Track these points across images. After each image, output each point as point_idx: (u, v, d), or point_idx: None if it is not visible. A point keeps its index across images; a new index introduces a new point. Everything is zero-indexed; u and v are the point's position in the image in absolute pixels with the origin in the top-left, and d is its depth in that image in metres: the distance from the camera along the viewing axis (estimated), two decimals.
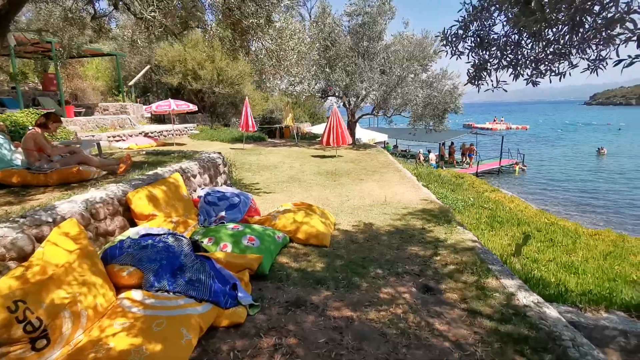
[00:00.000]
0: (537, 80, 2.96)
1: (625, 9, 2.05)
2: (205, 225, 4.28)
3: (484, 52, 3.07)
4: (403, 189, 7.38)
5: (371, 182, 8.05)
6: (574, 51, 2.60)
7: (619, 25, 2.07)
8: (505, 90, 3.08)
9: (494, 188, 14.81)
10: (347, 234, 4.65)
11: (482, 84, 3.09)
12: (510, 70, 2.89)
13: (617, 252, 6.44)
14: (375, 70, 13.65)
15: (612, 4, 2.13)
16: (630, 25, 2.03)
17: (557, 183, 20.72)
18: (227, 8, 4.46)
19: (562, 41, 2.58)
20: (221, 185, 6.24)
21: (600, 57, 2.45)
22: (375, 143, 19.38)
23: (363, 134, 20.33)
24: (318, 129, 22.75)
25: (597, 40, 2.37)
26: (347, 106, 15.74)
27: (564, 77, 2.79)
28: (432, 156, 22.90)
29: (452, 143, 24.79)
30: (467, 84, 3.24)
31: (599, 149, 31.29)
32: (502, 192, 14.67)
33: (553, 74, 2.83)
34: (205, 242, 3.70)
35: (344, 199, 6.55)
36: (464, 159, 24.38)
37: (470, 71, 3.11)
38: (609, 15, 2.15)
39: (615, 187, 19.36)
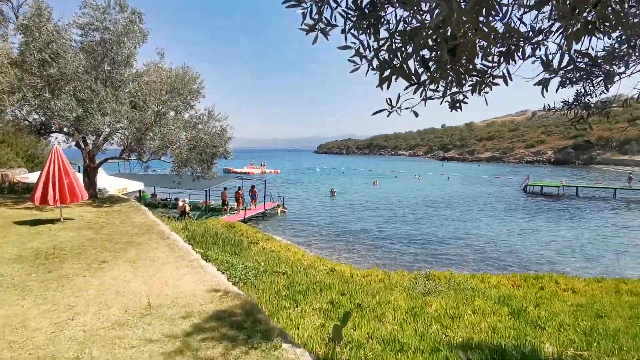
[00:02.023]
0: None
1: None
2: None
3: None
4: (177, 271, 4.96)
5: (122, 265, 5.16)
6: None
7: None
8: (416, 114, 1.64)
9: (267, 236, 14.11)
10: None
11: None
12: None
13: (415, 304, 6.30)
14: (124, 102, 10.53)
15: None
16: None
17: (313, 221, 22.73)
18: None
19: None
20: None
21: None
22: (125, 194, 15.39)
23: (109, 182, 15.86)
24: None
25: None
26: (83, 147, 11.59)
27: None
28: (181, 203, 19.49)
29: (225, 188, 23.74)
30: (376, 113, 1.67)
31: (331, 190, 36.78)
32: (276, 239, 14.15)
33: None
34: None
35: (65, 316, 3.52)
36: (239, 206, 23.69)
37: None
38: None
39: (348, 220, 22.97)
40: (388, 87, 2.07)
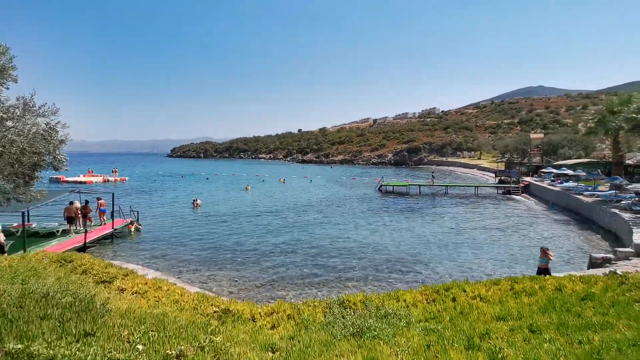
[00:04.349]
0: None
1: None
2: None
3: None
4: None
5: None
6: None
7: None
8: None
9: (125, 270, 10.78)
10: None
11: None
12: None
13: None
14: None
15: None
16: None
17: (177, 240, 19.38)
18: None
19: None
20: None
21: None
22: None
23: None
24: None
25: None
26: None
27: None
28: None
29: (72, 202, 18.52)
30: None
31: (193, 200, 32.16)
32: (138, 274, 10.94)
33: None
34: None
35: None
36: (84, 224, 18.86)
37: None
38: None
39: (219, 234, 20.56)
40: None
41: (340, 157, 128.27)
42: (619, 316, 6.05)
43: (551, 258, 10.59)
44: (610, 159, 31.78)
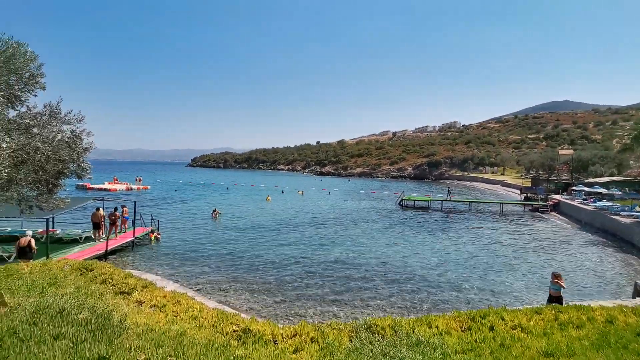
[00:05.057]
0: None
1: None
2: None
3: None
4: None
5: None
6: None
7: None
8: None
9: (144, 281, 10.57)
10: None
11: None
12: None
13: None
14: None
15: None
16: None
17: (196, 250, 19.22)
18: None
19: None
20: None
21: None
22: None
23: None
24: None
25: None
26: None
27: None
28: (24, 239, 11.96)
29: (98, 209, 18.91)
30: None
31: (213, 210, 31.93)
32: (157, 285, 10.71)
33: None
34: None
35: None
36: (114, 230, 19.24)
37: None
38: None
39: (238, 246, 20.29)
40: None
41: (359, 170, 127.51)
42: None
43: (563, 286, 9.65)
44: None
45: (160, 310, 8.24)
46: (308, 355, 6.33)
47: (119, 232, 19.87)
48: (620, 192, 31.25)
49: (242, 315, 8.58)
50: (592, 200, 32.09)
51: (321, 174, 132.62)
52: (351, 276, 15.36)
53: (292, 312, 11.63)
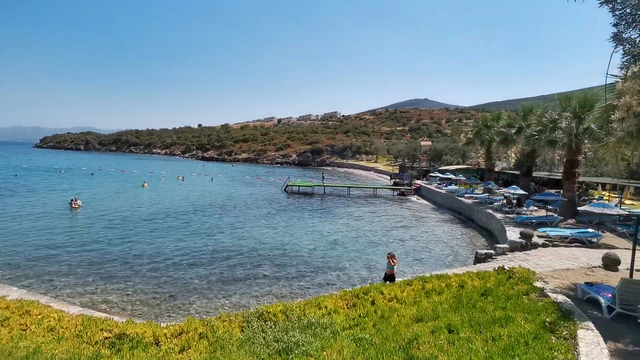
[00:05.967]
0: None
1: None
2: None
3: None
4: None
5: None
6: None
7: None
8: None
9: None
10: None
11: None
12: None
13: None
14: None
15: None
16: None
17: (49, 248, 16.25)
18: None
19: None
20: None
21: None
22: None
23: None
24: None
25: None
26: None
27: None
28: None
29: None
30: None
31: (71, 200, 27.38)
32: None
33: None
34: None
35: None
36: None
37: None
38: None
39: (107, 241, 18.00)
40: None
41: (244, 156, 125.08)
42: (515, 309, 6.72)
43: (395, 264, 10.33)
44: (483, 166, 37.03)
45: (2, 325, 6.73)
46: (196, 353, 5.96)
47: None
48: (464, 178, 37.91)
49: (115, 318, 7.59)
50: (444, 184, 38.07)
51: (204, 158, 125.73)
52: (237, 264, 15.05)
53: (176, 309, 10.82)
